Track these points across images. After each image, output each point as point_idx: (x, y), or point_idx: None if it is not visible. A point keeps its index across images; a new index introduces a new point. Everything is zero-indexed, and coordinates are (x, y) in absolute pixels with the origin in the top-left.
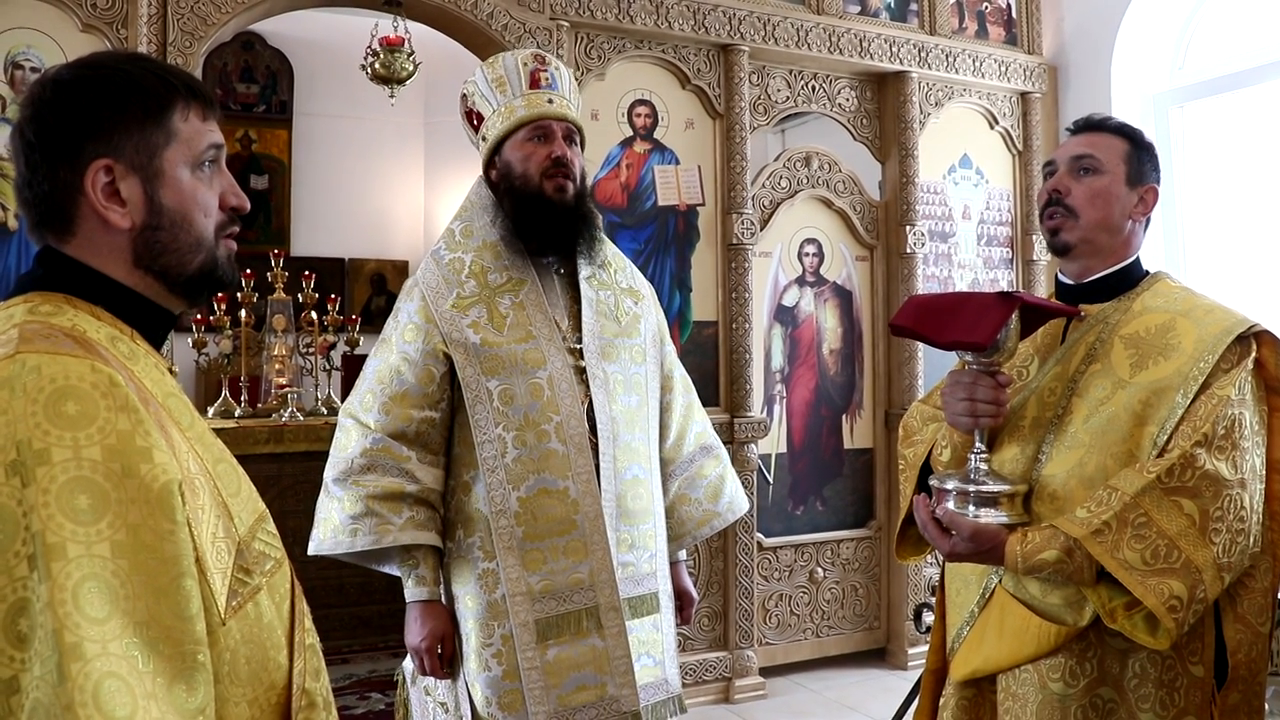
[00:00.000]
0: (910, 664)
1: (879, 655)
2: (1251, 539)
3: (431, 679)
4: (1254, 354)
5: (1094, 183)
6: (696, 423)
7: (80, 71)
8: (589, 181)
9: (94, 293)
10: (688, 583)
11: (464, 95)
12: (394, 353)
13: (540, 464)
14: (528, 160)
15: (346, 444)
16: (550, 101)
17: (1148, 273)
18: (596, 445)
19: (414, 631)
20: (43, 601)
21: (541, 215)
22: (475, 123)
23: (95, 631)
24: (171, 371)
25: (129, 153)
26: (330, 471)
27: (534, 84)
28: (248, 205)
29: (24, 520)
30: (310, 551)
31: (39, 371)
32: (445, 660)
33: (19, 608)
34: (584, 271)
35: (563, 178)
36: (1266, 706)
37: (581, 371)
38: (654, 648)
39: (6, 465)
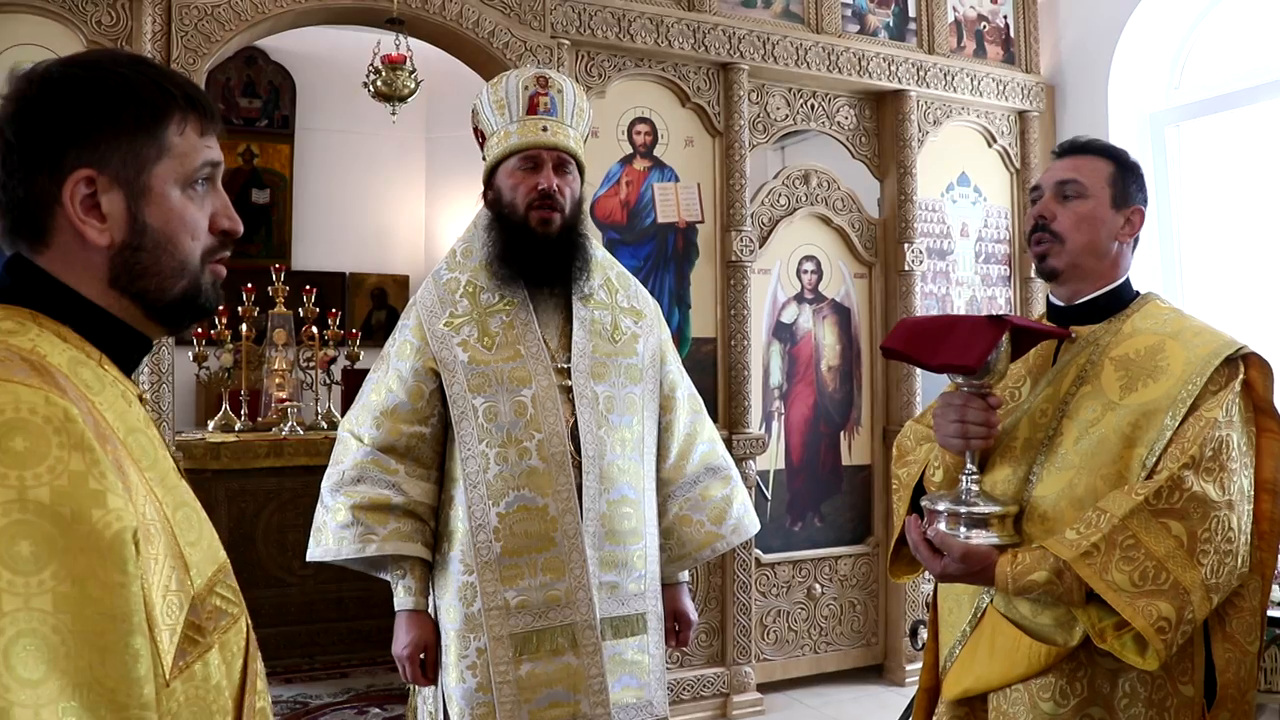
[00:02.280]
0: (907, 680)
1: (876, 671)
2: (1240, 560)
3: (427, 688)
4: (1242, 376)
5: (1079, 207)
6: (703, 443)
7: (72, 70)
8: (586, 204)
9: (63, 310)
10: (688, 605)
11: (473, 111)
12: (389, 370)
13: (521, 480)
14: (516, 189)
15: (342, 456)
16: (545, 129)
17: (1138, 294)
18: (580, 464)
19: (398, 640)
20: None
21: (525, 246)
22: (480, 141)
23: (27, 695)
24: (141, 399)
25: (115, 164)
26: (325, 482)
27: (531, 109)
28: (240, 229)
29: None
30: (307, 559)
31: None
32: (429, 668)
33: None
34: (579, 292)
35: (548, 210)
36: None
37: (568, 390)
38: (638, 669)
39: None
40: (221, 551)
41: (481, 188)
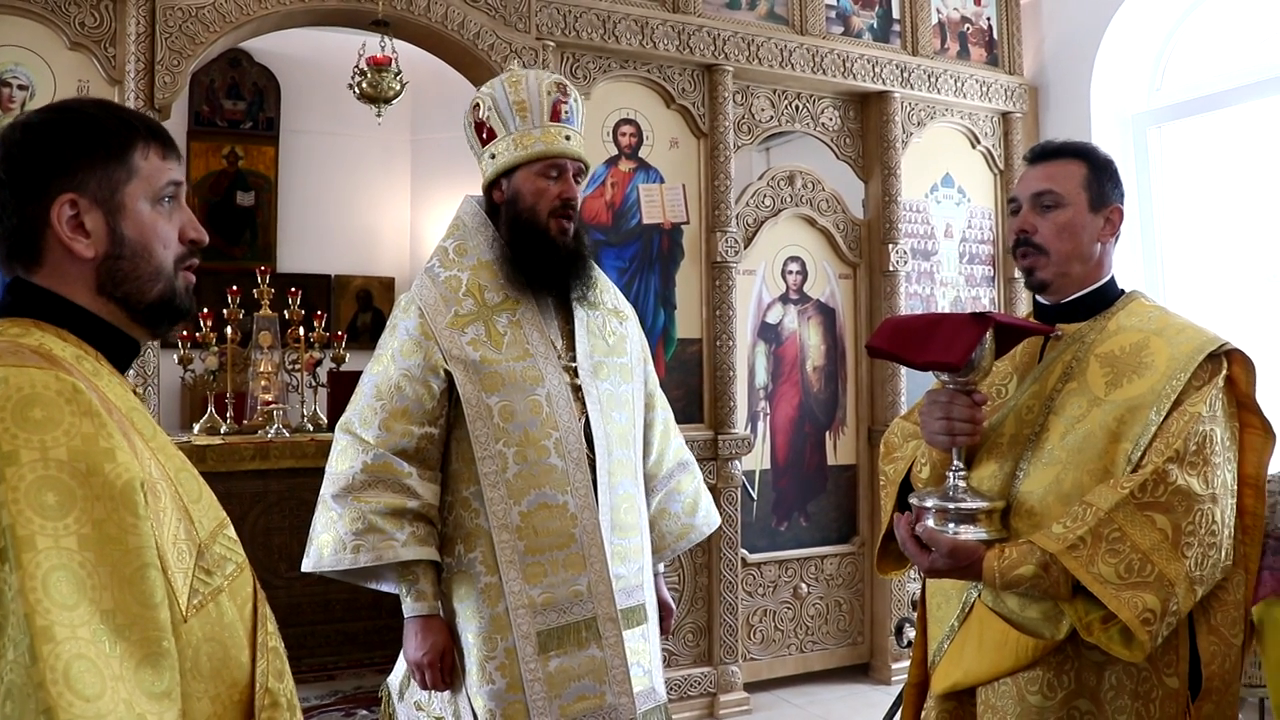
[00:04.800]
0: (893, 679)
1: (862, 670)
2: (1223, 553)
3: (424, 694)
4: (1225, 372)
5: (1058, 217)
6: (675, 440)
7: (48, 115)
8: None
9: (60, 317)
10: (666, 594)
11: (476, 105)
12: (393, 369)
13: (541, 479)
14: (539, 195)
15: (345, 460)
16: (568, 139)
17: (1123, 292)
18: (593, 460)
19: (414, 646)
20: (14, 590)
21: (541, 252)
22: (484, 135)
23: (65, 616)
24: (136, 393)
25: (92, 188)
26: (329, 487)
27: (555, 116)
28: (206, 238)
29: None
30: (307, 568)
31: (6, 382)
32: (446, 673)
33: None
34: (575, 292)
35: (567, 219)
36: (1240, 718)
37: (577, 389)
38: (643, 657)
39: None
40: (220, 510)
41: (466, 187)
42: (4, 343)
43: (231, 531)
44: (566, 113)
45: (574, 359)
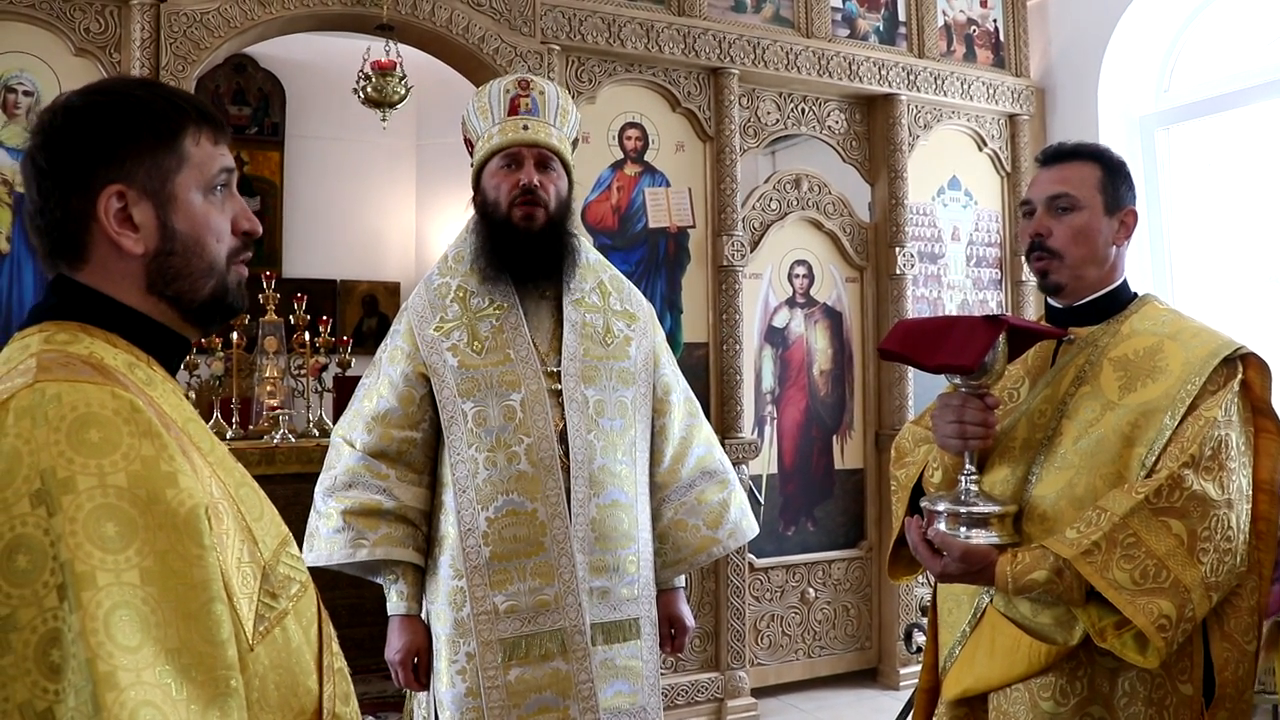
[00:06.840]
0: (902, 684)
1: (871, 675)
2: (1238, 558)
3: (421, 694)
4: (1240, 376)
5: (1074, 220)
6: (699, 446)
7: (91, 98)
8: (576, 206)
9: (109, 320)
10: (684, 610)
11: (462, 122)
12: (381, 375)
13: (510, 485)
14: (499, 188)
15: (334, 461)
16: (525, 128)
17: (1136, 295)
18: (569, 468)
19: (390, 645)
20: (74, 631)
21: (509, 242)
22: (471, 150)
23: (128, 660)
24: (189, 397)
25: (141, 178)
26: (319, 487)
27: (512, 110)
28: (260, 229)
29: (52, 550)
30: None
31: (59, 400)
32: (421, 673)
33: (51, 638)
34: (571, 295)
35: (530, 205)
36: None
37: (558, 394)
38: (631, 675)
39: (31, 495)
40: (283, 525)
41: (470, 191)
42: (53, 352)
43: (294, 548)
44: (527, 105)
45: (559, 363)
